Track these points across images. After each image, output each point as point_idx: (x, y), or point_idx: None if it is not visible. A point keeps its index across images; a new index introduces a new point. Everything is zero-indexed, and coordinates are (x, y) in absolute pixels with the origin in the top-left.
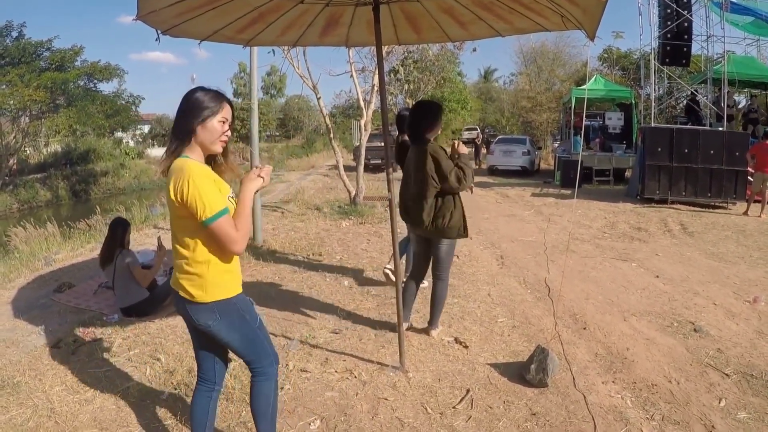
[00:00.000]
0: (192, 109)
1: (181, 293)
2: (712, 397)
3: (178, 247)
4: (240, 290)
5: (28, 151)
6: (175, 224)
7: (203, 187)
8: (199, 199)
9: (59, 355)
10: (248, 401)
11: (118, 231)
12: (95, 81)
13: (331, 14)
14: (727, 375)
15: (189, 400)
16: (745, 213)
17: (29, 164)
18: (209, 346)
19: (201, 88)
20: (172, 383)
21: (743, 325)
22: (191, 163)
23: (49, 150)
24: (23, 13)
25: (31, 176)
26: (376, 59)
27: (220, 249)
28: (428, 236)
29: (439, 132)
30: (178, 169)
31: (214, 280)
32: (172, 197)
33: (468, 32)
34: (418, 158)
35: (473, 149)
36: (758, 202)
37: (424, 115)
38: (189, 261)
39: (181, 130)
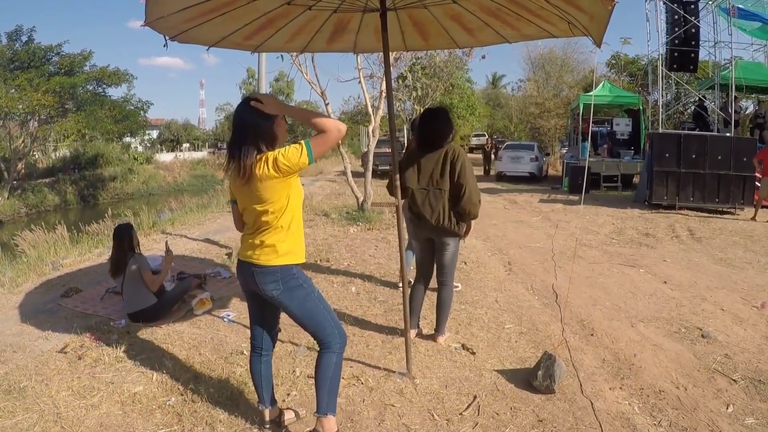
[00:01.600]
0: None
1: (252, 261)
2: (719, 403)
3: (261, 223)
4: (303, 260)
5: (36, 156)
6: (259, 206)
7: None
8: (290, 152)
9: (66, 360)
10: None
11: (125, 238)
12: (104, 86)
13: (339, 21)
14: (734, 381)
15: (196, 405)
16: (753, 218)
17: (38, 168)
18: (261, 318)
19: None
20: (179, 389)
21: (751, 330)
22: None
23: (57, 154)
24: (34, 17)
25: (40, 181)
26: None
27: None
28: (438, 236)
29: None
30: (263, 159)
31: (288, 247)
32: (266, 173)
33: (475, 39)
34: (437, 159)
35: (482, 156)
36: (766, 207)
37: (445, 123)
38: (269, 232)
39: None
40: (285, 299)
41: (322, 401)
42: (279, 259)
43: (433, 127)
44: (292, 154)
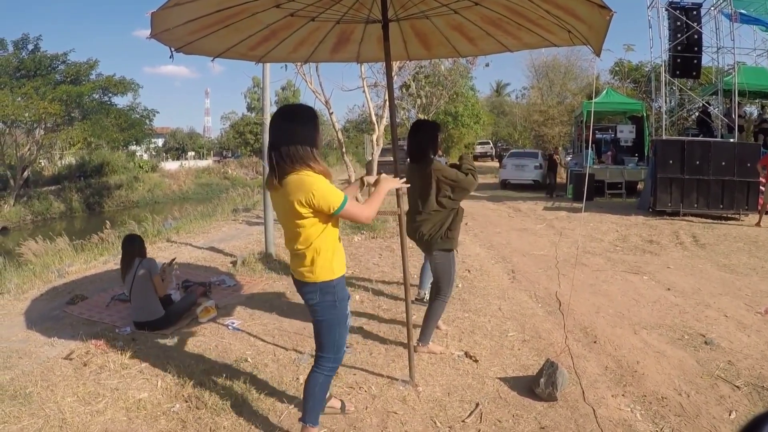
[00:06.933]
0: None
1: (297, 277)
2: (722, 410)
3: (296, 243)
4: (343, 272)
5: (42, 164)
6: (294, 225)
7: (327, 188)
8: (325, 200)
9: (71, 367)
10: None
11: (135, 243)
12: (110, 95)
13: (342, 31)
14: (737, 387)
15: (200, 412)
16: (758, 224)
17: (44, 176)
18: None
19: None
20: (183, 395)
21: (754, 336)
22: (313, 175)
23: (63, 162)
24: (40, 26)
25: (45, 188)
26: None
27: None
28: (426, 249)
29: (440, 150)
30: (300, 182)
31: (322, 264)
32: (300, 204)
33: (477, 48)
34: (421, 175)
35: (547, 164)
36: None
37: (428, 135)
38: (305, 252)
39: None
40: (318, 310)
41: (306, 412)
42: (319, 276)
43: (417, 140)
44: (327, 197)
